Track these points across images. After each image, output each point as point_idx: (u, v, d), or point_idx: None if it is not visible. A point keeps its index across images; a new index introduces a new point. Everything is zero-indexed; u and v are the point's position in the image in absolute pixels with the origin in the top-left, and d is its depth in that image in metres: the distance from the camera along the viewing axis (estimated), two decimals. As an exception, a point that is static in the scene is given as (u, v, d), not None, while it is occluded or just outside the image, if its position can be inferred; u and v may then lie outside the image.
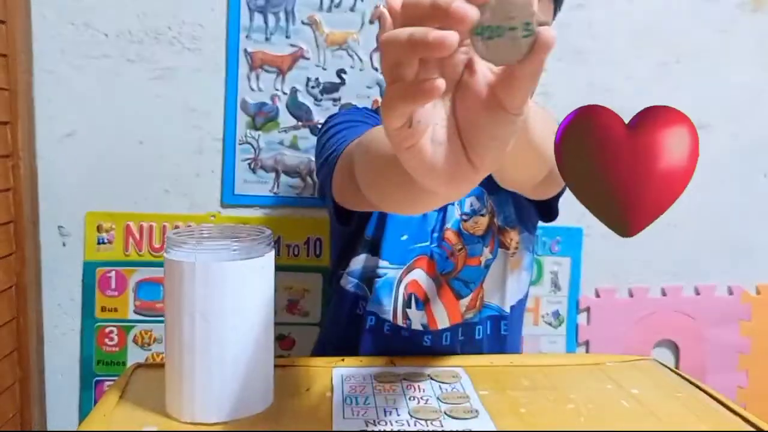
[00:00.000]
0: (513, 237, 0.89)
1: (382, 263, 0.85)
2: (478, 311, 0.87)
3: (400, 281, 0.85)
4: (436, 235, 0.86)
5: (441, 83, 0.33)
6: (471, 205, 0.86)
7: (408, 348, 0.84)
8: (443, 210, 0.86)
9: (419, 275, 0.85)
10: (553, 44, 0.33)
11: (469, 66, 0.36)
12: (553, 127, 0.62)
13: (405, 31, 0.33)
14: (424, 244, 0.86)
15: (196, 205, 1.19)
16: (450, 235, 0.86)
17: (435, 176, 0.38)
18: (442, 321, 0.85)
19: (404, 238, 0.85)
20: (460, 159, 0.38)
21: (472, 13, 0.31)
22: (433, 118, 0.37)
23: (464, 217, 0.86)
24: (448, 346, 0.85)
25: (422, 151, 0.37)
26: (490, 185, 0.86)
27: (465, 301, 0.86)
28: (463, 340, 0.86)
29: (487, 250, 0.86)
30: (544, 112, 0.59)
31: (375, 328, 0.86)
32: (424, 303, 0.85)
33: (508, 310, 0.89)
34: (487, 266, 0.87)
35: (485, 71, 0.36)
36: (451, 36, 0.31)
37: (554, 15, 0.82)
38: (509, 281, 0.89)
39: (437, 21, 0.32)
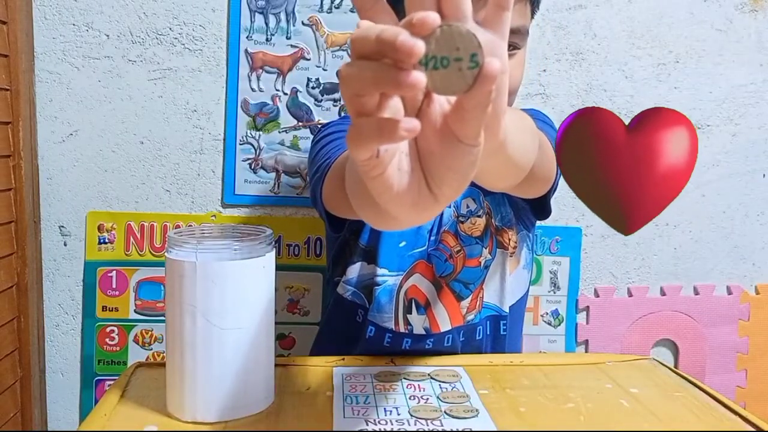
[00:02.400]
0: (511, 236, 0.89)
1: (381, 271, 0.85)
2: (479, 312, 0.87)
3: (400, 288, 0.84)
4: (433, 238, 0.86)
5: (417, 125, 0.33)
6: (467, 207, 0.86)
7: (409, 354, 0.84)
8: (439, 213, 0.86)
9: (418, 280, 0.85)
10: (497, 76, 0.33)
11: (427, 95, 0.37)
12: (530, 133, 0.62)
13: (368, 68, 0.33)
14: (421, 249, 0.85)
15: (197, 204, 1.19)
16: (447, 237, 0.86)
17: (399, 203, 0.39)
18: (444, 323, 0.85)
19: (402, 244, 0.85)
20: (422, 188, 0.39)
21: (420, 45, 0.31)
22: (399, 146, 0.38)
23: (461, 218, 0.86)
24: (449, 347, 0.85)
25: (389, 180, 0.37)
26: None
27: (465, 303, 0.86)
28: (464, 341, 0.86)
29: (486, 251, 0.86)
30: (517, 116, 0.59)
31: (374, 339, 0.85)
32: (425, 307, 0.85)
33: (507, 309, 0.89)
34: (487, 267, 0.87)
35: (442, 102, 0.37)
36: (419, 76, 0.32)
37: (531, 16, 0.82)
38: (508, 281, 0.89)
39: (385, 55, 0.32)
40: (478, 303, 0.87)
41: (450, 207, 0.85)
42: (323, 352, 0.94)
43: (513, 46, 0.77)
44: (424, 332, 0.84)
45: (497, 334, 0.89)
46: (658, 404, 0.68)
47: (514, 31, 0.74)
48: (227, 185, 1.18)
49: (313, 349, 1.03)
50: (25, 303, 1.11)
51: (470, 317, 0.86)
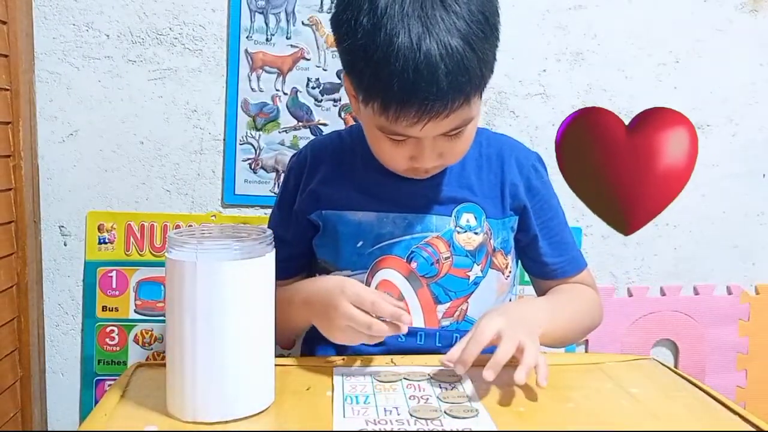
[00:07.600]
0: (508, 261, 0.91)
1: (345, 273, 0.87)
2: (457, 322, 0.87)
3: (367, 283, 0.86)
4: (395, 240, 0.86)
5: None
6: (467, 221, 0.88)
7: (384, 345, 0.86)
8: (425, 219, 0.87)
9: (389, 274, 0.86)
10: None
11: None
12: (581, 321, 0.93)
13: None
14: (381, 245, 0.86)
15: (197, 204, 1.19)
16: (439, 243, 0.87)
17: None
18: (418, 320, 0.86)
19: (360, 244, 0.87)
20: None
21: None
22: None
23: (458, 229, 0.87)
24: (422, 346, 0.86)
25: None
26: (489, 209, 0.89)
27: (442, 308, 0.86)
28: (440, 347, 0.86)
29: (477, 267, 0.87)
30: (568, 320, 0.89)
31: None
32: (399, 300, 0.86)
33: None
34: (476, 283, 0.88)
35: None
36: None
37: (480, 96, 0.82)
38: (497, 302, 0.90)
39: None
40: (458, 313, 0.87)
41: (449, 216, 0.87)
42: (311, 344, 0.94)
43: (459, 131, 0.79)
44: None
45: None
46: (658, 404, 0.68)
47: (456, 127, 0.77)
48: (227, 185, 1.18)
49: (302, 347, 1.03)
50: (25, 303, 1.11)
51: (445, 323, 0.87)
